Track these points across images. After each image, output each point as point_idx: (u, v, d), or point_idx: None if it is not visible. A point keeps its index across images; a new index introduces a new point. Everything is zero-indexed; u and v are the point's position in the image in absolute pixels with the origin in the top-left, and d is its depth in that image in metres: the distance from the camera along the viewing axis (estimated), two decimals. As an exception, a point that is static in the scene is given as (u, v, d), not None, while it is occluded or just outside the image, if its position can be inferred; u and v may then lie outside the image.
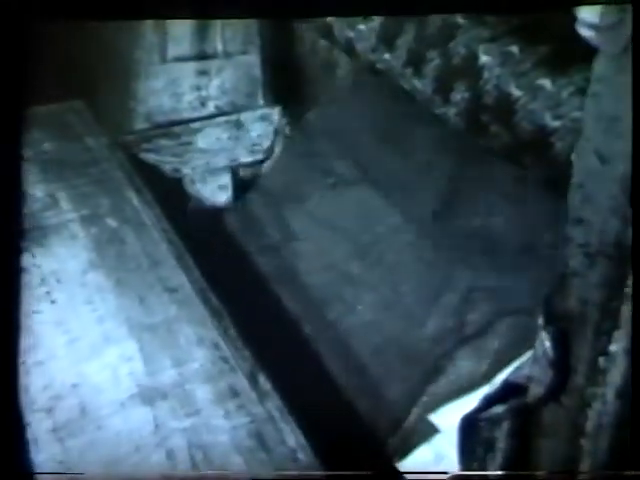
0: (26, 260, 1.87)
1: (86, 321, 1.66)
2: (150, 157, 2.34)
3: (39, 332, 1.64)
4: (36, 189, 2.13)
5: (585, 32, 0.76)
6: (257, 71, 2.47)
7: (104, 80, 2.48)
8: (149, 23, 2.28)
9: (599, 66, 0.75)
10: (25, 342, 1.65)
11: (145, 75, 2.31)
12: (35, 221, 2.00)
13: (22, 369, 1.55)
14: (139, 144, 2.31)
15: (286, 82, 2.52)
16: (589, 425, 0.87)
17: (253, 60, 2.44)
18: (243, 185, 2.44)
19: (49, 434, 1.35)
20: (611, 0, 0.76)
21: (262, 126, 2.47)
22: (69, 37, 2.39)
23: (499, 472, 0.98)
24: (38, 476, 1.20)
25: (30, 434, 1.37)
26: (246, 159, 2.47)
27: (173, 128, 2.36)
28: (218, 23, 2.33)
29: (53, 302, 1.74)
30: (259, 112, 2.48)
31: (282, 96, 2.51)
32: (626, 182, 0.74)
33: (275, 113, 2.48)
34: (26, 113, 1.06)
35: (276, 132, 2.49)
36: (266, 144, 2.48)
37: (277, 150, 2.47)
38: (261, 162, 2.48)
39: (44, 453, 1.30)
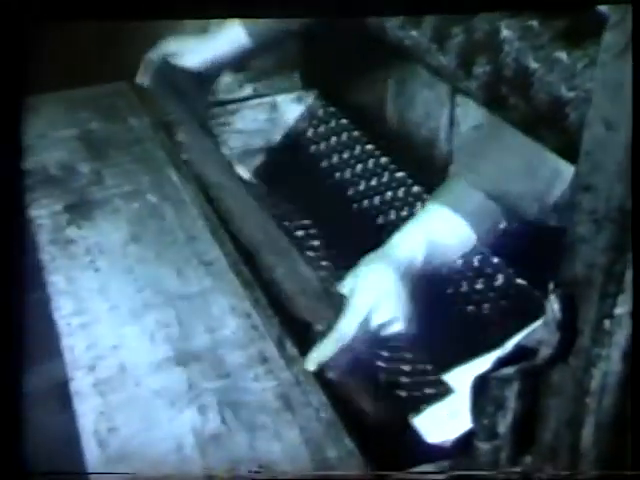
0: (73, 232, 1.98)
1: (126, 289, 1.76)
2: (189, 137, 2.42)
3: (83, 297, 1.75)
4: (82, 166, 2.25)
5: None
6: (294, 56, 2.54)
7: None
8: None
9: (608, 36, 0.79)
10: (70, 306, 1.76)
11: (185, 58, 2.40)
12: (81, 196, 2.11)
13: (67, 330, 1.65)
14: (179, 124, 2.40)
15: (322, 66, 2.57)
16: (594, 384, 0.91)
17: (291, 45, 2.50)
18: (275, 165, 2.52)
19: (91, 388, 1.44)
20: (611, 0, 0.79)
21: (297, 109, 2.53)
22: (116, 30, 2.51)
23: (502, 471, 1.04)
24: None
25: (73, 388, 1.47)
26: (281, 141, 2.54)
27: (212, 109, 2.45)
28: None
29: (96, 270, 1.84)
30: (294, 95, 2.55)
31: (317, 80, 2.56)
32: (629, 149, 0.77)
33: (310, 96, 2.54)
34: (24, 104, 1.11)
35: (311, 115, 2.55)
36: (301, 127, 2.54)
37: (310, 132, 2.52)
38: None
39: (86, 405, 1.40)
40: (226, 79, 2.47)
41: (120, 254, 1.88)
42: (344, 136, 2.30)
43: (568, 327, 0.90)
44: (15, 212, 1.10)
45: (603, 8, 0.80)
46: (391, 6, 1.07)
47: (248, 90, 2.52)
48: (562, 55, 0.92)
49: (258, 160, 2.51)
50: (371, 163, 2.18)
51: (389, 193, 2.06)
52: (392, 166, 2.11)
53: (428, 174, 2.06)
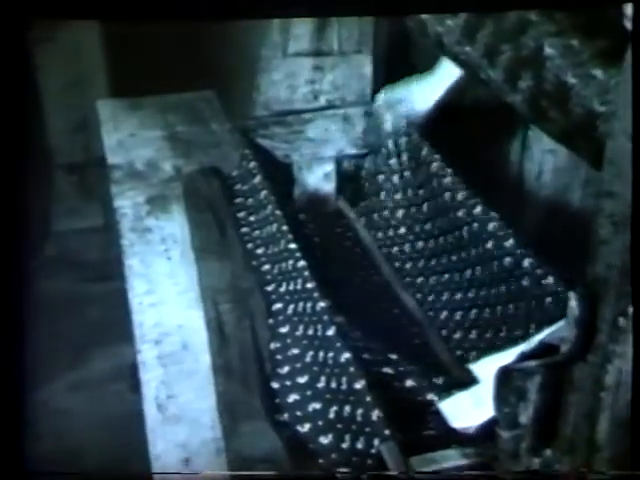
0: (151, 222, 2.17)
1: (193, 276, 1.91)
2: (265, 142, 2.58)
3: (155, 281, 1.91)
4: (165, 163, 2.44)
5: (628, 25, 0.86)
6: (368, 70, 2.64)
7: (234, 74, 2.77)
8: (276, 23, 2.52)
9: (630, 55, 0.85)
10: (143, 287, 1.92)
11: (267, 69, 2.56)
12: (162, 190, 2.30)
13: (138, 308, 1.82)
14: (256, 129, 2.55)
15: (394, 80, 2.67)
16: (609, 379, 0.96)
17: (365, 59, 2.61)
18: (346, 175, 2.63)
19: (155, 360, 1.59)
20: (611, 0, 0.84)
21: (368, 121, 2.64)
22: (204, 38, 2.71)
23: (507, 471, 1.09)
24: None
25: (139, 359, 1.62)
26: (351, 151, 2.65)
27: (287, 117, 2.59)
28: (335, 24, 2.53)
29: (169, 259, 2.00)
30: (366, 108, 2.65)
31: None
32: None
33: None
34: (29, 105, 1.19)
35: (380, 127, 2.64)
36: (371, 139, 2.65)
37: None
38: (364, 155, 2.65)
39: (149, 374, 1.55)
40: (303, 89, 2.61)
41: (190, 245, 2.04)
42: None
43: (587, 325, 0.95)
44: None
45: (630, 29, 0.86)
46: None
47: (322, 101, 2.65)
48: (598, 72, 0.99)
49: (327, 167, 2.64)
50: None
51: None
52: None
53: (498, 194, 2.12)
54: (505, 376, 1.07)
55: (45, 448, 1.44)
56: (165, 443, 1.35)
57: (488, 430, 1.18)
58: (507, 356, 1.13)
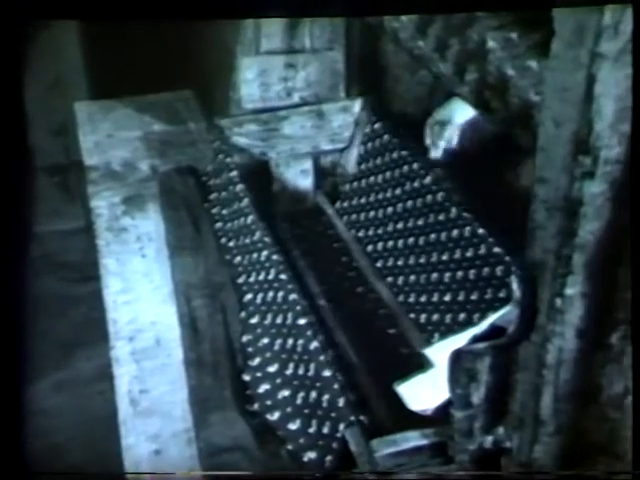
0: (127, 221, 2.20)
1: (168, 273, 1.95)
2: (241, 140, 2.61)
3: (130, 279, 1.95)
4: (142, 163, 2.47)
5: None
6: (340, 66, 2.68)
7: (212, 73, 2.80)
8: (248, 22, 2.55)
9: (555, 45, 0.89)
10: (118, 285, 1.95)
11: (240, 67, 2.59)
12: (138, 190, 2.33)
13: (113, 306, 1.85)
14: (231, 128, 2.59)
15: (367, 76, 2.70)
16: (550, 358, 1.00)
17: (337, 56, 2.65)
18: (323, 171, 2.66)
19: (128, 356, 1.63)
20: (611, 0, 0.88)
21: (343, 117, 2.67)
22: (183, 36, 2.74)
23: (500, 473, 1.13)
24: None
25: (113, 355, 1.66)
26: (327, 147, 2.69)
27: (261, 115, 2.62)
28: (307, 21, 2.56)
29: (144, 256, 2.04)
30: (340, 104, 2.69)
31: (363, 89, 2.70)
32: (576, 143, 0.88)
33: (356, 105, 2.67)
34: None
35: (356, 123, 2.68)
36: (346, 134, 2.68)
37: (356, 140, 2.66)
38: (340, 151, 2.69)
39: (122, 369, 1.59)
40: (276, 87, 2.64)
41: (165, 242, 2.07)
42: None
43: (528, 306, 1.00)
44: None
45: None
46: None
47: (296, 98, 2.68)
48: (533, 63, 1.03)
49: (304, 164, 2.67)
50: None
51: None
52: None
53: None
54: (457, 359, 1.11)
55: (32, 447, 1.48)
56: (137, 436, 1.38)
57: (446, 411, 1.22)
58: (460, 340, 1.17)
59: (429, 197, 2.02)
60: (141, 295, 1.86)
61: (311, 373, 1.47)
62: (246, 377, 1.59)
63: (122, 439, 1.39)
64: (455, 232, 1.71)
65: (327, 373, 1.45)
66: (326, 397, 1.41)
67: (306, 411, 1.43)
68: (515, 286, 0.99)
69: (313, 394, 1.43)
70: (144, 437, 1.39)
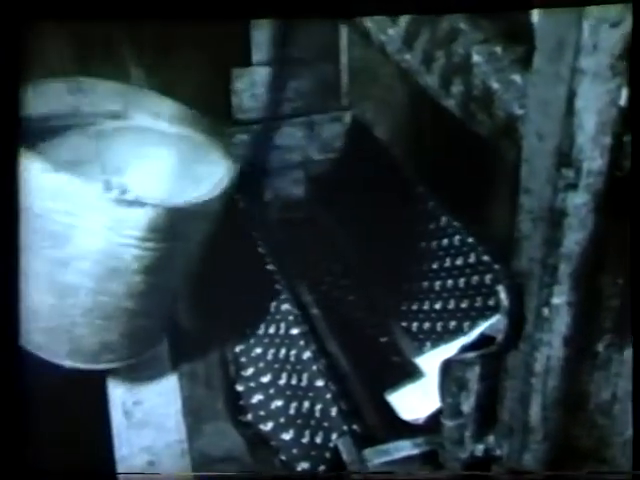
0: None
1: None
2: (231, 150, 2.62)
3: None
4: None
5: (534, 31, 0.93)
6: (331, 77, 2.70)
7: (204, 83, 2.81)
8: (238, 32, 2.57)
9: (536, 60, 0.91)
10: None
11: (231, 77, 2.61)
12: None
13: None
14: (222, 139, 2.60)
15: (359, 87, 2.73)
16: (538, 366, 1.02)
17: (328, 67, 2.67)
18: (314, 180, 2.68)
19: (122, 368, 1.63)
20: (611, 0, 0.90)
21: (333, 127, 2.70)
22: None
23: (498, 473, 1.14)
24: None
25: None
26: (318, 157, 2.71)
27: (252, 126, 2.64)
28: (297, 32, 2.58)
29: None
30: (331, 115, 2.71)
31: (354, 100, 2.72)
32: (559, 156, 0.90)
33: (347, 116, 2.70)
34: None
35: (347, 133, 2.71)
36: (337, 144, 2.71)
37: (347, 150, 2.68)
38: (331, 160, 2.71)
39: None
40: (266, 97, 2.66)
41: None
42: None
43: (515, 316, 1.01)
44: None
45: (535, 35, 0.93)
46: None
47: (286, 109, 2.70)
48: (517, 77, 1.05)
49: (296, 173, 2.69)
50: None
51: None
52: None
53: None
54: (447, 368, 1.12)
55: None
56: (130, 447, 1.39)
57: (436, 420, 1.23)
58: (450, 349, 1.18)
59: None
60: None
61: (304, 383, 1.49)
62: (239, 387, 1.60)
63: (116, 450, 1.40)
64: (445, 240, 1.74)
65: (320, 383, 1.47)
66: (319, 407, 1.43)
67: (299, 421, 1.44)
68: (503, 295, 1.01)
69: (306, 404, 1.44)
70: (137, 448, 1.40)
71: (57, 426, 1.44)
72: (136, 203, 1.32)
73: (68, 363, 1.42)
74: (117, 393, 1.54)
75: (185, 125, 1.87)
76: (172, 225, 1.37)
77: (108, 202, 1.32)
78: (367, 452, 1.27)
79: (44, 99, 1.60)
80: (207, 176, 1.63)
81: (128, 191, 1.33)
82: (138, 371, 1.50)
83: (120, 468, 1.35)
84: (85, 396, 1.60)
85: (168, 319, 1.57)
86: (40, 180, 1.32)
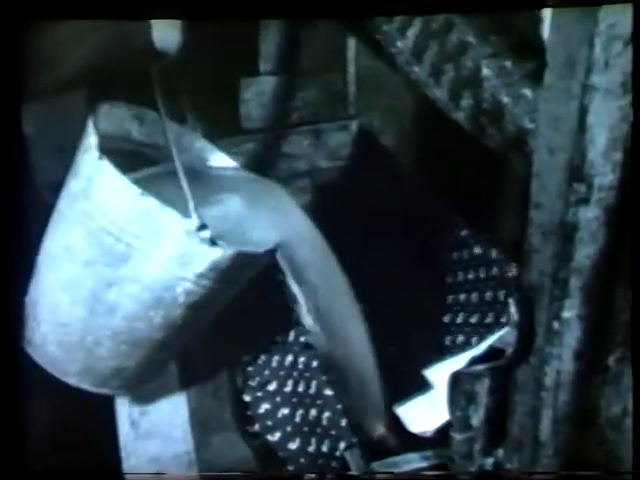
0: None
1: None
2: (239, 159, 2.63)
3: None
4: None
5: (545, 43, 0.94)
6: (339, 87, 2.71)
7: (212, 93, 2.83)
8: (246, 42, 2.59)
9: (547, 76, 0.92)
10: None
11: (238, 87, 2.62)
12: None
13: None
14: (229, 148, 2.61)
15: (366, 96, 2.74)
16: (548, 380, 1.02)
17: (335, 77, 2.68)
18: (321, 188, 2.68)
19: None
20: (611, 0, 0.90)
21: (341, 136, 2.70)
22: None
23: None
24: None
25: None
26: (325, 165, 2.71)
27: (259, 135, 2.64)
28: (304, 42, 2.59)
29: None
30: (338, 123, 2.72)
31: (361, 109, 2.73)
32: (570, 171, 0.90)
33: (354, 125, 2.70)
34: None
35: (354, 142, 2.71)
36: (344, 153, 2.71)
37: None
38: (338, 169, 2.71)
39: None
40: (273, 107, 2.67)
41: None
42: None
43: (525, 329, 1.01)
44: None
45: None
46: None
47: (294, 118, 2.71)
48: (527, 91, 1.05)
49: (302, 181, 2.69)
50: None
51: None
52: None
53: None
54: (456, 381, 1.12)
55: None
56: (137, 458, 1.39)
57: (445, 433, 1.23)
58: (459, 361, 1.18)
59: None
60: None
61: (312, 391, 1.48)
62: (247, 397, 1.59)
63: (123, 461, 1.40)
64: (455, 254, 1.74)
65: (329, 392, 1.47)
66: (326, 415, 1.42)
67: (305, 429, 1.44)
68: (513, 309, 1.01)
69: (313, 412, 1.44)
70: (145, 459, 1.40)
71: (63, 437, 1.45)
72: (209, 241, 1.32)
73: (74, 382, 1.41)
74: (123, 403, 1.54)
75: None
76: (231, 269, 1.37)
77: (183, 234, 1.32)
78: (375, 465, 1.27)
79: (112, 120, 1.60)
80: (271, 224, 1.64)
81: (206, 229, 1.33)
82: (144, 392, 1.49)
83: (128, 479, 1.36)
84: (91, 406, 1.60)
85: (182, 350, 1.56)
86: (123, 200, 1.33)
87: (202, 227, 1.33)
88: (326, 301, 1.54)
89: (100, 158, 1.35)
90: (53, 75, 1.64)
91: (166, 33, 1.68)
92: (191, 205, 1.35)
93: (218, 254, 1.34)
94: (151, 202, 1.32)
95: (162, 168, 1.65)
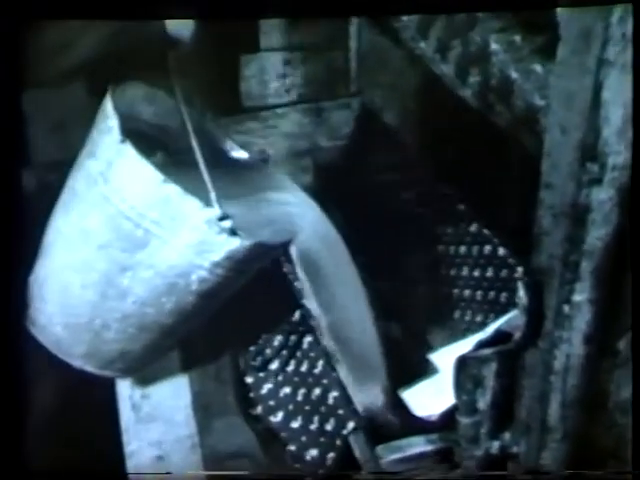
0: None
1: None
2: (240, 138, 2.59)
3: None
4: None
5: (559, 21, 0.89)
6: (339, 63, 2.66)
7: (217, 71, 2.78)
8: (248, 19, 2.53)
9: (560, 51, 0.88)
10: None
11: (239, 64, 2.57)
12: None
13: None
14: (231, 126, 2.57)
15: (368, 73, 2.69)
16: (557, 364, 1.00)
17: (336, 53, 2.63)
18: (322, 168, 2.65)
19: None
20: (611, 0, 0.87)
21: (342, 114, 2.66)
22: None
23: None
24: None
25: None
26: (326, 144, 2.67)
27: (260, 113, 2.60)
28: (306, 18, 2.54)
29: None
30: (339, 101, 2.67)
31: (363, 86, 2.68)
32: (583, 150, 0.87)
33: (355, 102, 2.66)
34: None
35: (356, 120, 2.67)
36: (345, 131, 2.67)
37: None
38: (340, 147, 2.68)
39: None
40: (274, 84, 2.62)
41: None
42: None
43: (534, 313, 0.99)
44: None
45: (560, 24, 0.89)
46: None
47: (294, 95, 2.67)
48: (537, 67, 1.01)
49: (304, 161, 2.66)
50: None
51: None
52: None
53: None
54: (463, 364, 1.10)
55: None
56: (139, 442, 1.38)
57: (451, 417, 1.21)
58: (465, 345, 1.16)
59: None
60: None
61: (318, 370, 1.47)
62: (249, 379, 1.58)
63: (125, 445, 1.39)
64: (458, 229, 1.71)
65: (335, 373, 1.45)
66: (333, 394, 1.41)
67: (307, 408, 1.43)
68: (521, 292, 0.98)
69: (317, 391, 1.42)
70: (146, 443, 1.39)
71: (64, 421, 1.44)
72: (229, 231, 1.31)
73: (78, 364, 1.40)
74: (124, 386, 1.53)
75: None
76: (246, 258, 1.36)
77: (203, 223, 1.30)
78: (380, 448, 1.26)
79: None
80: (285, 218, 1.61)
81: (227, 219, 1.31)
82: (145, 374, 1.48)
83: (129, 463, 1.35)
84: (92, 389, 1.59)
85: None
86: (144, 185, 1.31)
87: (224, 217, 1.31)
88: (335, 293, 1.52)
89: (122, 142, 1.32)
90: (61, 62, 1.61)
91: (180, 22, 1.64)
92: (212, 195, 1.32)
93: (236, 244, 1.32)
94: (172, 189, 1.30)
95: (176, 156, 1.61)
